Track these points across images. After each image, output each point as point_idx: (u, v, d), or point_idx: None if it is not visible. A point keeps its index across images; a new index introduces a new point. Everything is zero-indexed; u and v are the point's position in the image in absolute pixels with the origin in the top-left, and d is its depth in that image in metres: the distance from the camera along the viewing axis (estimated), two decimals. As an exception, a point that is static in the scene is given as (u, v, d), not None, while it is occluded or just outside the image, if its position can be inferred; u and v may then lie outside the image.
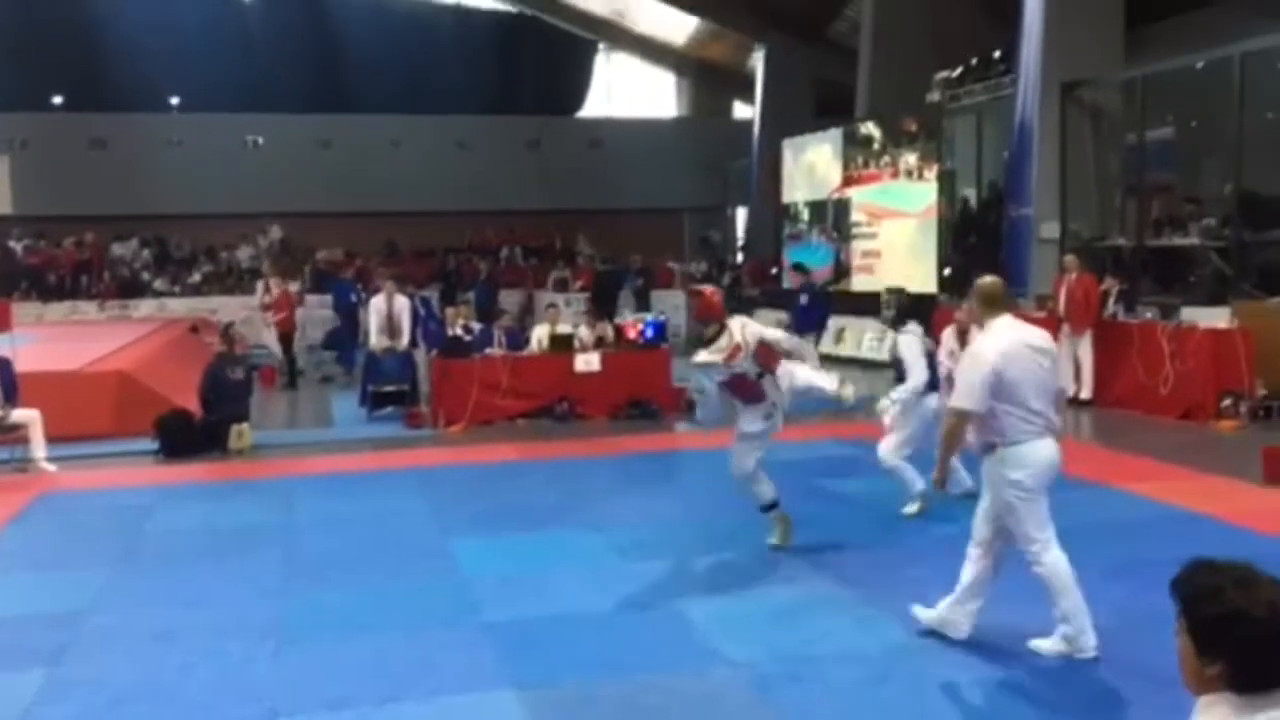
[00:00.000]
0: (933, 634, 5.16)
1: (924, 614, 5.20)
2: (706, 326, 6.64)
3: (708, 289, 7.17)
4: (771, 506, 6.77)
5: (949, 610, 5.08)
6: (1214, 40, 13.56)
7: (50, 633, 5.56)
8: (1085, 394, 11.98)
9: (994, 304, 5.00)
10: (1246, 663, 2.03)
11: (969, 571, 5.03)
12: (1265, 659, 2.02)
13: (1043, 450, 4.80)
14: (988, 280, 5.13)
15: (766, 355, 6.60)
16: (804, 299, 15.05)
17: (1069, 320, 12.01)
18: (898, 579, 6.04)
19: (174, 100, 26.46)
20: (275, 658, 5.18)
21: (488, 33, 28.28)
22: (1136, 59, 14.94)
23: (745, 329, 6.55)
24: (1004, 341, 4.82)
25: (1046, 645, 4.89)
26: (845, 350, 17.25)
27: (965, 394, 4.80)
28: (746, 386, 6.59)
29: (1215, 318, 11.07)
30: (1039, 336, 5.00)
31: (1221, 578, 2.09)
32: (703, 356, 6.53)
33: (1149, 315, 11.92)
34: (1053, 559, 4.82)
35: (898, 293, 8.18)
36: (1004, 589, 5.76)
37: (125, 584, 6.47)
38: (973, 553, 5.04)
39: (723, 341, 6.46)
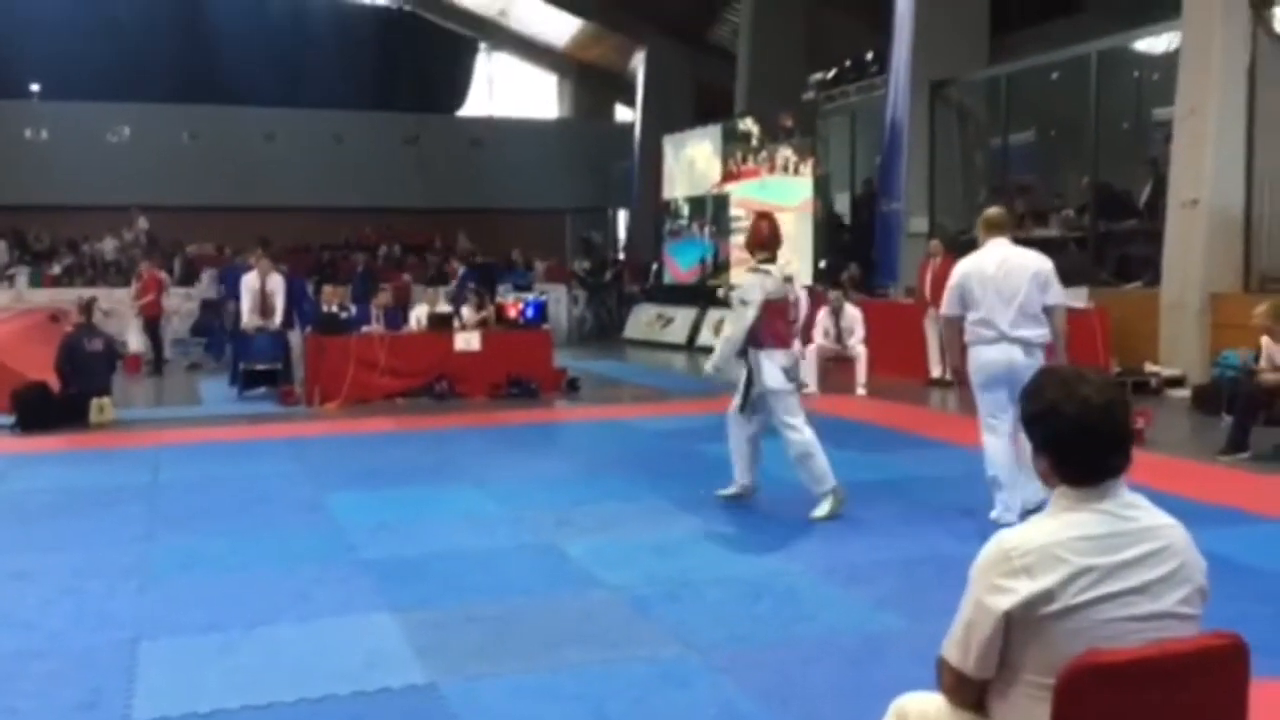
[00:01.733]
0: (806, 560, 5.33)
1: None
2: (760, 253, 6.24)
3: (769, 212, 6.73)
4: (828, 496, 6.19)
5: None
6: (1072, 45, 14.23)
7: (-106, 577, 5.28)
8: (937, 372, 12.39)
9: (992, 229, 5.99)
10: (1063, 456, 2.16)
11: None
12: (1078, 453, 2.15)
13: (991, 353, 5.80)
14: (991, 209, 6.25)
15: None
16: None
17: (934, 302, 12.38)
18: (770, 518, 6.21)
19: (34, 87, 25.38)
20: (140, 593, 5.02)
21: (366, 26, 27.88)
22: (1000, 61, 15.58)
23: (787, 266, 6.29)
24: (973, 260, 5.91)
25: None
26: (723, 342, 17.47)
27: (944, 301, 6.03)
28: (783, 319, 6.12)
29: (1073, 298, 11.54)
30: (1027, 256, 5.95)
31: (1048, 378, 2.23)
32: (767, 266, 6.13)
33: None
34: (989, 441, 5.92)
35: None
36: (865, 520, 6.01)
37: (-22, 534, 6.19)
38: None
39: (780, 263, 6.21)
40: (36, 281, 20.81)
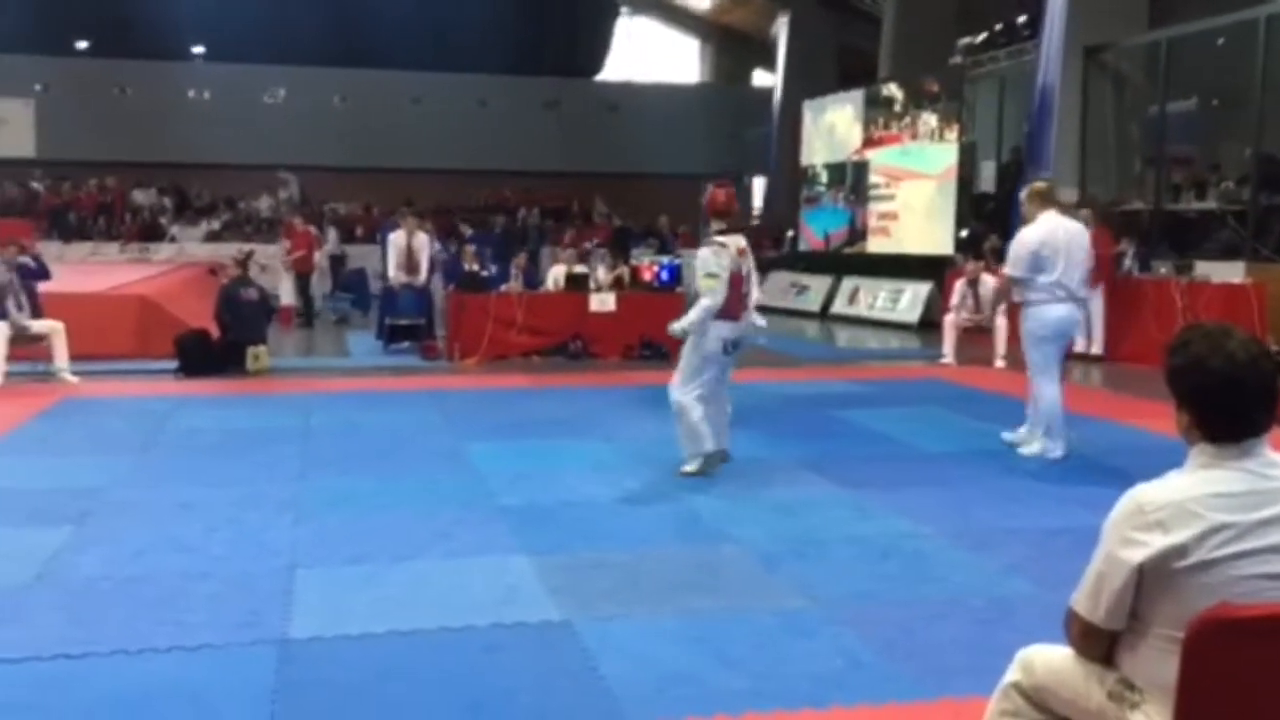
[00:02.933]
0: (935, 524, 5.33)
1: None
2: (718, 221, 6.43)
3: (727, 182, 6.85)
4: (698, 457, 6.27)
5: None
6: (1238, 9, 13.54)
7: (75, 501, 5.71)
8: (1096, 349, 12.04)
9: (1048, 200, 6.84)
10: (1206, 411, 2.15)
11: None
12: (1222, 408, 2.13)
13: (1061, 310, 6.73)
14: (1040, 182, 7.19)
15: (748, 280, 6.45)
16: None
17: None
18: (897, 482, 6.22)
19: (198, 50, 26.55)
20: (294, 526, 5.33)
21: (510, -9, 28.25)
22: (1161, 26, 14.92)
23: (739, 238, 6.46)
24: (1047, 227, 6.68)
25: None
26: (859, 310, 17.32)
27: (1013, 264, 6.78)
28: (735, 291, 6.24)
29: (1229, 273, 11.13)
30: (1077, 226, 6.93)
31: (1194, 333, 2.21)
32: (721, 238, 6.27)
33: (1163, 271, 11.96)
34: (1050, 390, 6.82)
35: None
36: (1001, 489, 5.96)
37: (147, 467, 6.63)
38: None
39: (735, 237, 6.38)
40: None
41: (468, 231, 14.10)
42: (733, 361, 6.54)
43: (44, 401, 8.84)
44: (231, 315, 10.89)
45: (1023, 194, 7.16)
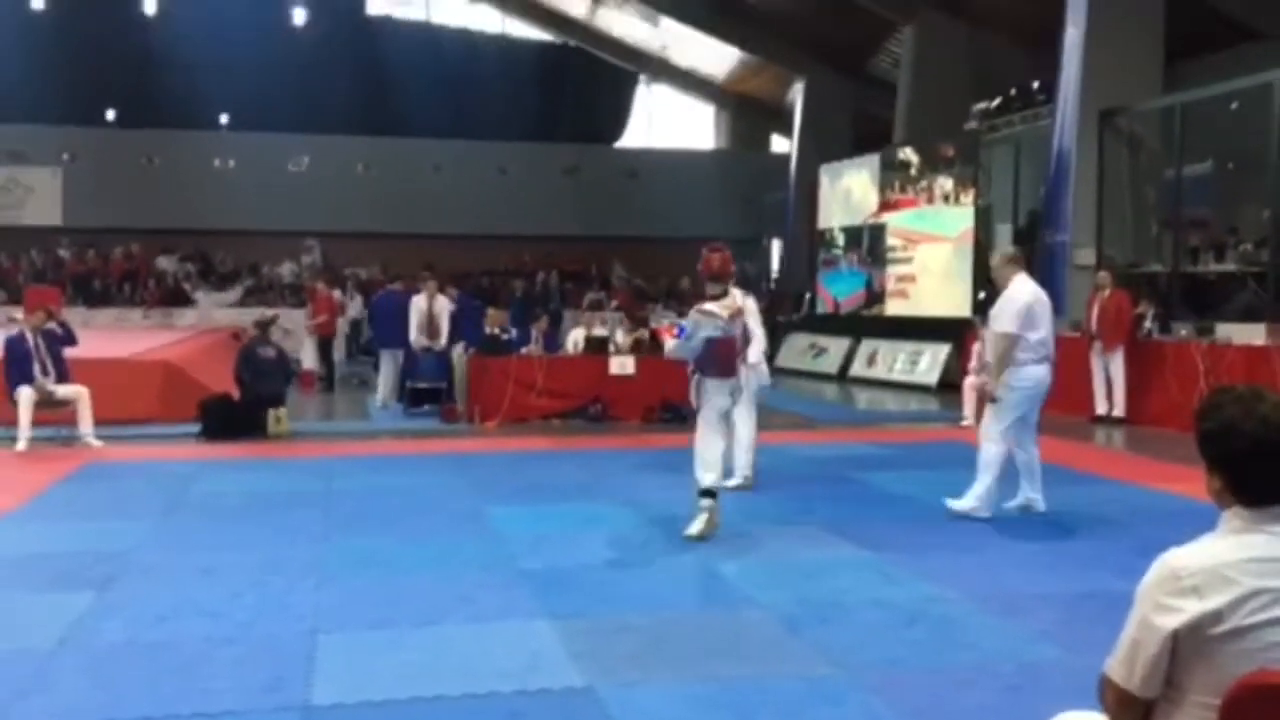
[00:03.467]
0: (962, 588, 5.28)
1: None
2: (713, 284, 6.62)
3: (721, 245, 6.96)
4: (707, 494, 6.43)
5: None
6: (1253, 74, 13.65)
7: (99, 566, 5.72)
8: (1119, 411, 11.99)
9: (1019, 263, 7.15)
10: (1241, 475, 2.13)
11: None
12: (1256, 472, 2.12)
13: (1041, 371, 6.89)
14: (1010, 247, 7.90)
15: (744, 336, 6.92)
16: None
17: (1101, 336, 12.07)
18: (921, 545, 6.17)
19: (223, 118, 27.04)
20: (317, 589, 5.32)
21: (531, 61, 28.75)
22: (1175, 90, 15.05)
23: (745, 298, 6.94)
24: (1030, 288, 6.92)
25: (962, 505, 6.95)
26: (877, 373, 17.31)
27: (1010, 321, 6.79)
28: (729, 353, 6.58)
29: (1250, 335, 11.09)
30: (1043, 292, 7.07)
31: (1225, 396, 2.20)
32: (710, 306, 6.52)
33: (1184, 334, 11.94)
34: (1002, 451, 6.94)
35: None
36: (1026, 553, 5.92)
37: (170, 531, 6.65)
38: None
39: (727, 300, 6.60)
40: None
41: (454, 293, 14.21)
42: (741, 399, 7.06)
43: (68, 466, 8.90)
44: (250, 373, 10.99)
45: (994, 260, 7.35)
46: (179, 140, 25.86)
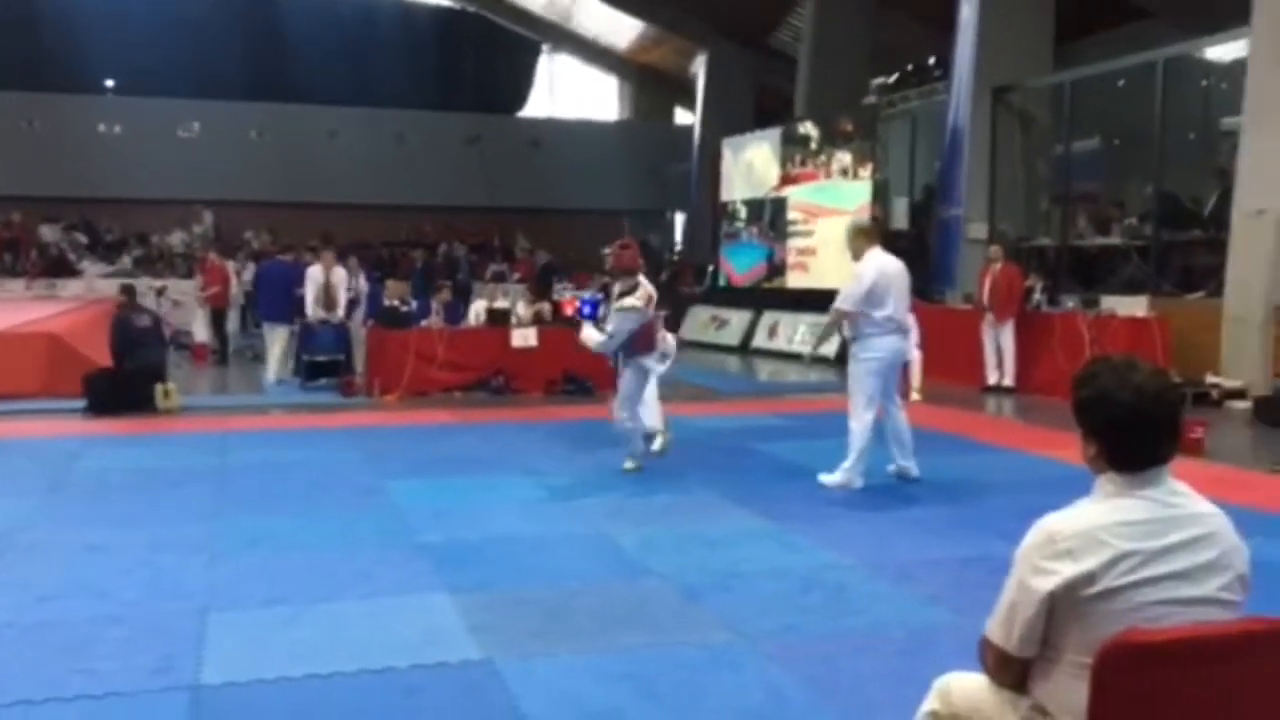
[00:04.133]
0: (856, 556, 5.39)
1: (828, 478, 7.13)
2: (623, 278, 7.42)
3: (630, 242, 7.95)
4: (650, 437, 7.61)
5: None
6: (1139, 53, 14.08)
7: (-23, 546, 5.52)
8: (1008, 381, 12.34)
9: (874, 238, 7.29)
10: (1114, 442, 2.22)
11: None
12: (1129, 439, 2.20)
13: (891, 341, 7.08)
14: (866, 221, 7.74)
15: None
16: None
17: (993, 308, 12.38)
18: (819, 515, 6.29)
19: (109, 83, 26.05)
20: (209, 568, 5.20)
21: (430, 27, 28.28)
22: (1065, 68, 15.45)
23: (647, 284, 7.52)
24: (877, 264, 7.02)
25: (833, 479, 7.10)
26: (778, 344, 17.52)
27: (844, 298, 7.01)
28: (650, 334, 7.49)
29: (1134, 307, 11.50)
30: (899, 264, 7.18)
31: (1101, 365, 2.28)
32: (629, 302, 7.29)
33: (1070, 305, 12.32)
34: (869, 418, 7.10)
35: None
36: (918, 520, 6.07)
37: (55, 509, 6.44)
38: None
39: (640, 292, 7.34)
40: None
41: (355, 264, 14.00)
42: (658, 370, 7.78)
43: (-56, 443, 8.55)
44: (126, 343, 10.67)
45: (848, 231, 7.49)
46: (61, 104, 24.79)
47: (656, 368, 7.65)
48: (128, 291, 11.63)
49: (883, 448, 7.35)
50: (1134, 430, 2.20)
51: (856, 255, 7.11)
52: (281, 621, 4.42)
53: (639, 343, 7.47)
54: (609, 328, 7.52)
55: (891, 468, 7.35)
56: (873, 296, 6.91)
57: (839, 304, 7.05)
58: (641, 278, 7.48)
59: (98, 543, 5.59)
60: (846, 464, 7.09)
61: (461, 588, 4.86)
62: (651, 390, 8.06)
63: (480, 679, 3.84)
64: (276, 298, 13.13)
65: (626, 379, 7.59)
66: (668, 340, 7.88)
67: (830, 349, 16.11)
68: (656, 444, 7.66)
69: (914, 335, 7.99)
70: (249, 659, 4.00)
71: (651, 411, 7.99)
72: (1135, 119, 15.14)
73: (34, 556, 5.38)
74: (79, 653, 4.06)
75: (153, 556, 5.35)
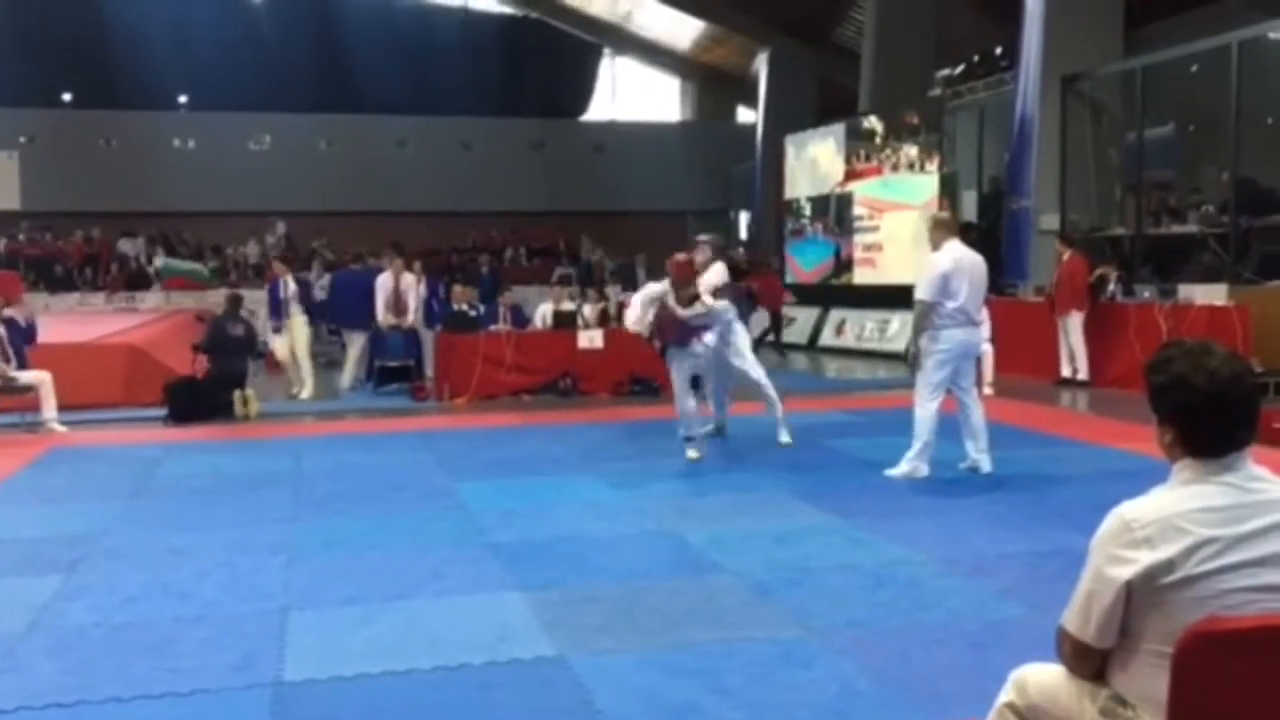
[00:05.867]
0: (928, 551, 5.34)
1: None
2: (684, 289, 7.95)
3: (684, 257, 8.28)
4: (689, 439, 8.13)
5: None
6: (1212, 36, 13.75)
7: (66, 550, 5.69)
8: (1082, 374, 12.10)
9: (953, 230, 7.39)
10: (1190, 428, 2.17)
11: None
12: (1205, 424, 2.16)
13: (960, 334, 7.09)
14: (943, 213, 8.15)
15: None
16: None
17: (1056, 300, 12.17)
18: (889, 510, 6.24)
19: (182, 99, 26.70)
20: (287, 568, 5.31)
21: (493, 35, 28.58)
22: (1136, 54, 15.13)
23: (706, 296, 8.00)
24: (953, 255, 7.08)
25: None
26: (846, 342, 17.40)
27: (923, 288, 7.07)
28: (672, 324, 8.07)
29: (1212, 295, 11.21)
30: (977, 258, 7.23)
31: (1175, 350, 2.24)
32: (710, 301, 8.01)
33: (1146, 295, 12.06)
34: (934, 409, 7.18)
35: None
36: (991, 514, 5.99)
37: (138, 513, 6.61)
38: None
39: (705, 300, 7.95)
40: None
41: (419, 271, 14.08)
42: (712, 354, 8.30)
43: (33, 452, 8.82)
44: (217, 345, 10.91)
45: (927, 223, 7.59)
46: (137, 121, 25.53)
47: (699, 350, 8.09)
48: (233, 301, 11.89)
49: (956, 443, 7.27)
50: (1210, 415, 2.15)
51: (935, 246, 7.20)
52: (359, 620, 4.50)
53: (667, 333, 8.07)
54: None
55: (964, 464, 7.29)
56: (946, 287, 6.97)
57: (919, 294, 7.11)
58: (702, 286, 7.97)
59: (179, 546, 5.73)
60: (911, 453, 7.15)
61: (533, 586, 4.90)
62: (750, 372, 8.59)
63: (553, 675, 3.87)
64: (352, 305, 13.33)
65: (671, 372, 8.29)
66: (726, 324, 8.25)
67: (902, 343, 15.97)
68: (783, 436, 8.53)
69: (986, 329, 7.96)
70: (328, 656, 4.07)
71: (765, 392, 8.63)
72: (1210, 104, 14.77)
73: (119, 560, 5.53)
74: (164, 652, 4.16)
75: (232, 558, 5.48)
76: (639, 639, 4.20)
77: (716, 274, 8.28)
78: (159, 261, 22.27)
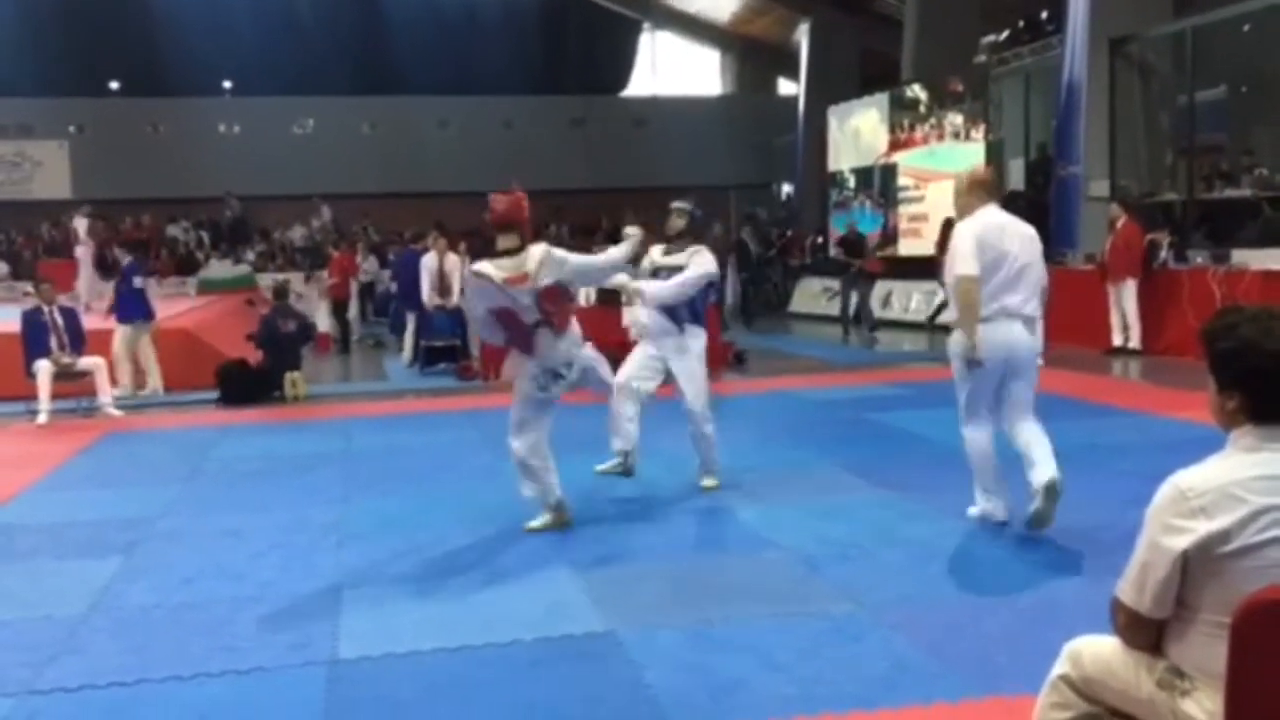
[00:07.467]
0: (979, 523, 5.30)
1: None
2: (503, 235, 5.34)
3: (517, 188, 5.62)
4: (555, 506, 5.59)
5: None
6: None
7: (124, 532, 5.80)
8: (1134, 343, 11.92)
9: (979, 190, 5.27)
10: (1259, 393, 2.13)
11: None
12: (1273, 390, 2.12)
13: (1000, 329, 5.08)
14: (977, 169, 5.81)
15: (554, 300, 5.33)
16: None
17: (1109, 268, 11.97)
18: (939, 484, 6.17)
19: (227, 84, 26.94)
20: (339, 548, 5.38)
21: (532, 12, 28.51)
22: (1185, 14, 14.80)
23: (547, 258, 5.29)
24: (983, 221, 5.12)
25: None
26: (892, 313, 17.24)
27: (964, 260, 5.04)
28: (517, 327, 5.37)
29: (1267, 260, 10.99)
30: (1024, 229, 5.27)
31: (1239, 315, 2.20)
32: (480, 265, 5.35)
33: (1199, 261, 11.84)
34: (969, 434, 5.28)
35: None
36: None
37: (193, 495, 6.72)
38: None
39: (518, 259, 5.26)
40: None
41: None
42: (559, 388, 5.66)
43: (89, 436, 8.99)
44: (270, 343, 11.03)
45: (957, 184, 5.45)
46: (183, 108, 25.81)
47: (527, 385, 5.64)
48: (280, 293, 11.99)
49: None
50: (1276, 380, 2.12)
51: (965, 214, 5.24)
52: (410, 598, 4.56)
53: (508, 329, 5.53)
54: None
55: (1032, 506, 5.07)
56: (980, 257, 5.03)
57: (960, 269, 5.05)
58: (534, 248, 5.37)
59: (234, 527, 5.82)
60: (977, 494, 5.38)
61: (582, 562, 4.93)
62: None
63: (604, 650, 3.90)
64: (413, 285, 13.37)
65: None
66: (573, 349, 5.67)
67: (950, 315, 15.81)
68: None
69: (1039, 334, 5.56)
70: (381, 634, 4.13)
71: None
72: (1262, 64, 14.44)
73: (175, 541, 5.63)
74: (221, 631, 4.24)
75: (286, 539, 5.56)
76: (689, 614, 4.21)
77: (701, 265, 6.22)
78: (200, 274, 22.45)
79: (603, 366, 5.89)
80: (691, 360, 6.35)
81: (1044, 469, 5.01)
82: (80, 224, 17.07)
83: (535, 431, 5.53)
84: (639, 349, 6.58)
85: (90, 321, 10.96)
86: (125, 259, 12.17)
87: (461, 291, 13.07)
